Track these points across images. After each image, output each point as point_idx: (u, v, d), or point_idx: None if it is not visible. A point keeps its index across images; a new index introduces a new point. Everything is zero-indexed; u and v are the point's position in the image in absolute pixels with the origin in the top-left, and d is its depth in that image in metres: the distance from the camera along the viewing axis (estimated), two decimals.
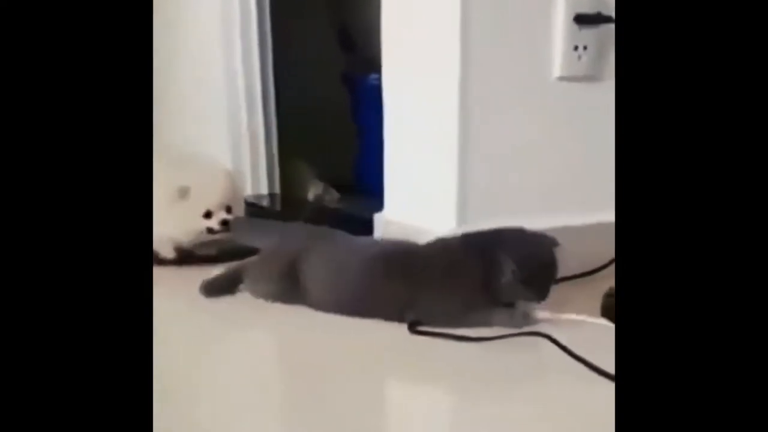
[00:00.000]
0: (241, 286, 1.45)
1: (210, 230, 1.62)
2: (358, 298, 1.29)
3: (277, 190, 2.32)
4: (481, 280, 1.23)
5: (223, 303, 1.43)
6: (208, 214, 1.61)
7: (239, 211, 1.68)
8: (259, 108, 2.27)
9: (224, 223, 1.60)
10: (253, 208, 2.00)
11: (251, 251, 1.50)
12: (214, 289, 1.43)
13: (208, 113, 2.36)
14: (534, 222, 1.48)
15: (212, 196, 1.61)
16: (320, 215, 2.12)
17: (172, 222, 1.60)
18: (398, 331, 1.23)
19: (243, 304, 1.42)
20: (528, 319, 1.24)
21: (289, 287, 1.36)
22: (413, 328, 1.23)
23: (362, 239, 1.48)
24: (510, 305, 1.24)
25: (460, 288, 1.24)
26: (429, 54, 1.50)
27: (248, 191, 2.23)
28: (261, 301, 1.40)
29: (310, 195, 2.35)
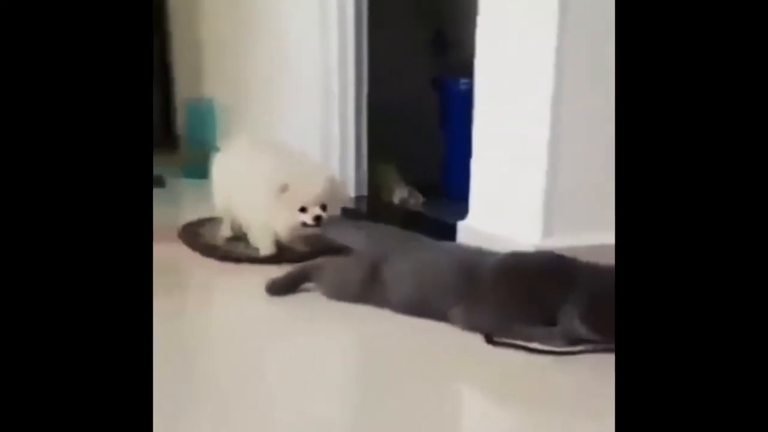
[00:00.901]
0: (309, 286, 1.49)
1: (304, 224, 1.70)
2: (435, 303, 1.31)
3: (365, 192, 2.35)
4: (541, 306, 1.23)
5: (301, 300, 1.47)
6: (303, 209, 1.70)
7: (335, 211, 1.75)
8: (351, 112, 2.30)
9: (317, 218, 1.69)
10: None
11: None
12: (279, 288, 1.48)
13: (302, 114, 2.41)
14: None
15: (308, 193, 1.70)
16: (406, 219, 2.14)
17: (273, 214, 1.72)
18: (473, 338, 1.24)
19: (319, 302, 1.46)
20: (569, 338, 1.21)
21: (371, 290, 1.39)
22: (489, 339, 1.23)
23: (445, 245, 1.49)
24: (552, 324, 1.22)
25: (510, 303, 1.25)
26: (523, 64, 1.49)
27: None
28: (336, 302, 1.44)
29: (396, 198, 2.37)
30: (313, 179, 1.72)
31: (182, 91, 3.54)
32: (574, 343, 1.20)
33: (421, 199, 2.39)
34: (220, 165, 1.95)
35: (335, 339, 1.37)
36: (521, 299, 1.24)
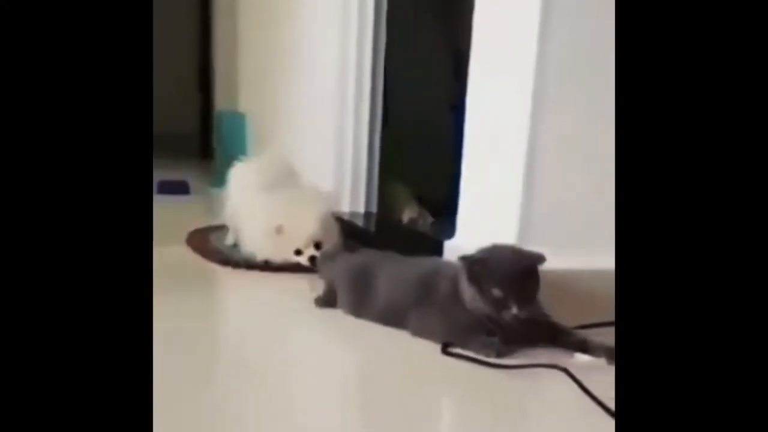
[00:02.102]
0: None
1: (299, 265, 1.80)
2: (399, 313, 1.40)
3: (374, 209, 2.42)
4: (465, 306, 1.30)
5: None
6: (298, 252, 1.81)
7: (330, 244, 1.84)
8: (364, 129, 2.38)
9: (312, 259, 1.79)
10: (347, 226, 2.11)
11: None
12: (324, 302, 1.55)
13: (319, 131, 2.50)
14: (596, 260, 1.49)
15: (302, 236, 1.81)
16: (409, 238, 2.20)
17: (269, 252, 1.83)
18: (433, 349, 1.31)
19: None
20: (501, 350, 1.26)
21: (360, 304, 1.48)
22: (444, 350, 1.29)
23: (420, 260, 1.55)
24: (492, 335, 1.28)
25: (447, 311, 1.32)
26: (504, 88, 1.56)
27: (346, 208, 2.35)
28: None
29: (405, 217, 2.43)
30: (307, 221, 1.82)
31: (220, 104, 3.71)
32: (507, 354, 1.26)
33: (430, 219, 2.44)
34: (233, 180, 2.05)
35: (323, 338, 1.45)
36: (464, 309, 1.30)
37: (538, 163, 1.50)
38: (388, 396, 1.14)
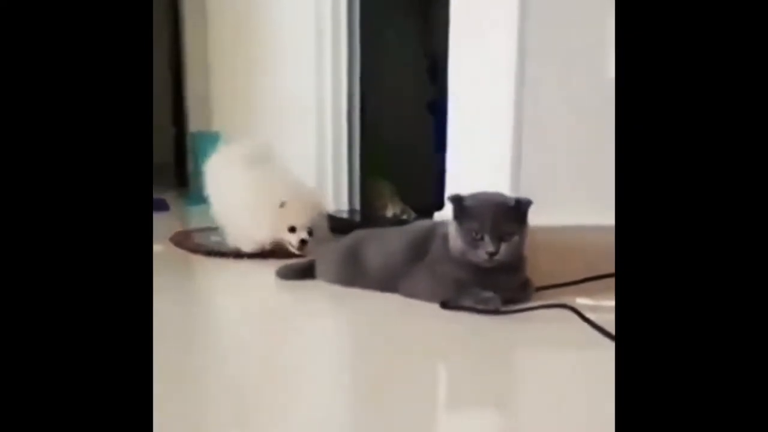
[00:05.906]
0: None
1: (290, 244, 1.76)
2: (391, 277, 1.38)
3: (357, 206, 2.41)
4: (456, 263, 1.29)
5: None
6: (292, 229, 1.75)
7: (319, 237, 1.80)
8: (344, 128, 2.38)
9: (302, 242, 1.75)
10: (332, 221, 2.08)
11: None
12: (288, 273, 1.54)
13: (298, 130, 2.48)
14: (583, 220, 1.48)
15: (301, 214, 1.76)
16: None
17: (267, 226, 1.77)
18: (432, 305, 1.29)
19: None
20: (492, 302, 1.25)
21: (351, 273, 1.45)
22: (443, 305, 1.27)
23: (412, 224, 1.53)
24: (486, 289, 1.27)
25: (438, 269, 1.31)
26: (487, 67, 1.56)
27: (330, 206, 2.33)
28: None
29: (389, 214, 2.42)
30: (309, 201, 1.79)
31: (193, 126, 3.68)
32: (498, 305, 1.25)
33: (413, 215, 2.43)
34: (215, 163, 1.98)
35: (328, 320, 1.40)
36: (455, 266, 1.29)
37: (524, 157, 1.50)
38: (400, 353, 1.11)
